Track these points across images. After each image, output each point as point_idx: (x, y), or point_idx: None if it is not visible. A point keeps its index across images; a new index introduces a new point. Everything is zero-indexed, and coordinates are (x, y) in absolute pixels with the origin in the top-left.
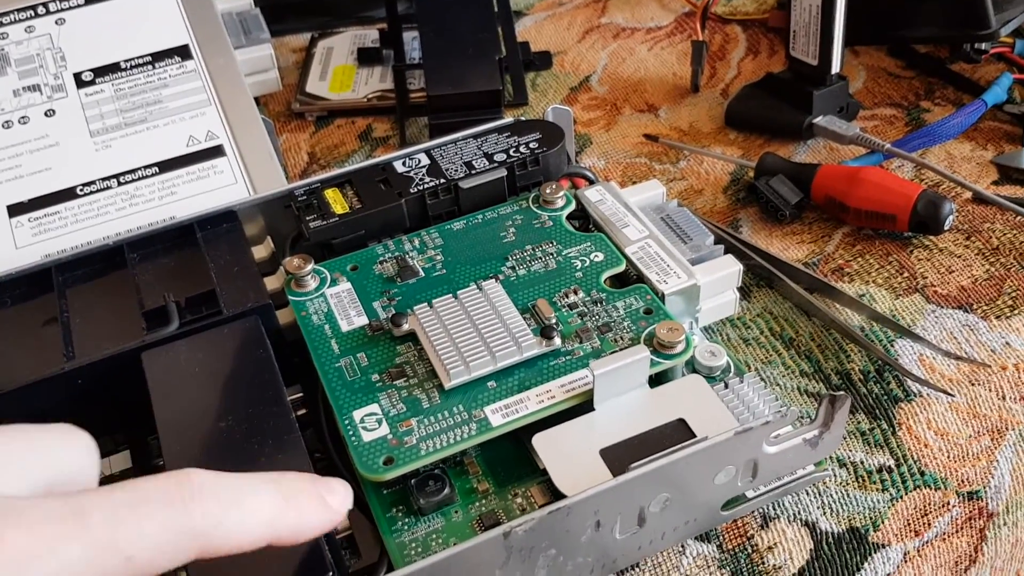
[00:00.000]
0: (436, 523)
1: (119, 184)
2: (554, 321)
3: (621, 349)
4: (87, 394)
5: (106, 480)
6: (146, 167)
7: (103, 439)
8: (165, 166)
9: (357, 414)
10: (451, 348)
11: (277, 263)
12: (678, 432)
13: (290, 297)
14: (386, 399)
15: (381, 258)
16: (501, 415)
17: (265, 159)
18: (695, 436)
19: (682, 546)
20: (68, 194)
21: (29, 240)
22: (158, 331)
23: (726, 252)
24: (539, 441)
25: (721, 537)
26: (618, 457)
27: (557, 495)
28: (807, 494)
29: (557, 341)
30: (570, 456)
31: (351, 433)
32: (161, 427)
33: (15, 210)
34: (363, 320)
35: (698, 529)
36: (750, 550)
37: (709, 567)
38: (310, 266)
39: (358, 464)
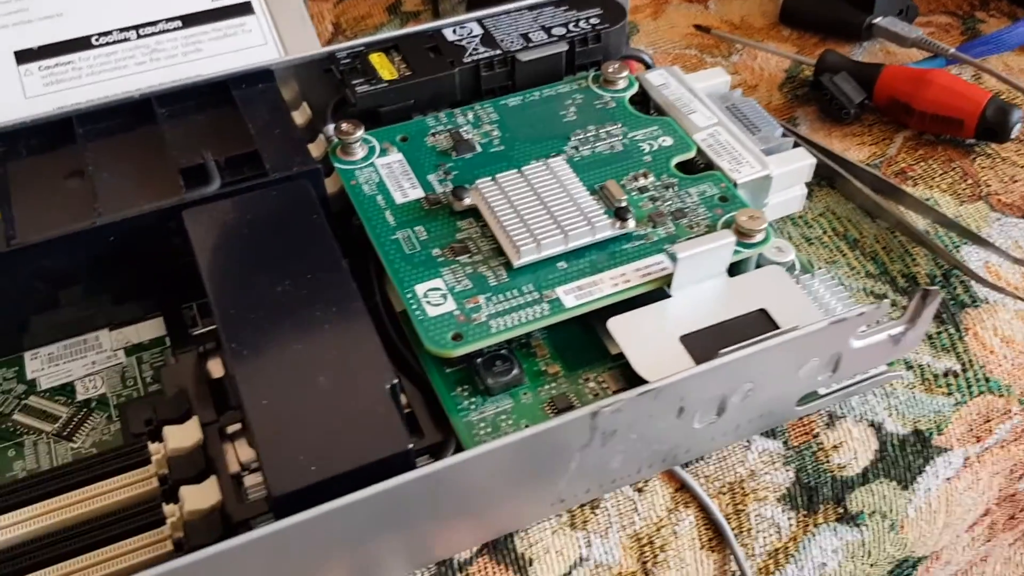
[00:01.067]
0: (505, 404)
1: (139, 36)
2: (625, 203)
3: (697, 236)
4: (118, 253)
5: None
6: (168, 20)
7: (131, 304)
8: (189, 20)
9: (420, 288)
10: (520, 225)
11: (315, 131)
12: (760, 322)
13: (337, 165)
14: (449, 275)
15: (432, 130)
16: (574, 296)
17: (297, 21)
18: (777, 327)
19: (748, 441)
20: (82, 43)
21: (40, 90)
22: (198, 189)
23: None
24: (615, 325)
25: (787, 434)
26: (700, 344)
27: (632, 381)
28: (874, 395)
29: (631, 223)
30: (648, 341)
31: (415, 307)
32: (212, 289)
33: (24, 57)
34: (418, 192)
35: (771, 423)
36: (815, 448)
37: (774, 463)
38: (360, 132)
39: (424, 339)
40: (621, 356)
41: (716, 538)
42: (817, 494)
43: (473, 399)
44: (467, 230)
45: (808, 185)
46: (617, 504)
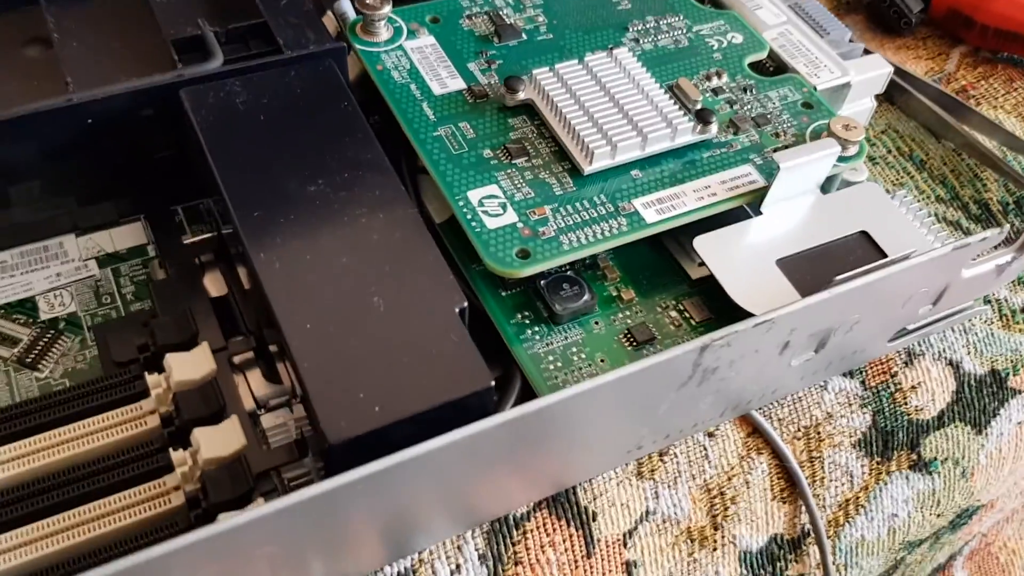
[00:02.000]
0: (574, 334)
1: None
2: (702, 105)
3: (786, 147)
4: (91, 141)
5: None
6: None
7: (103, 205)
8: None
9: (474, 195)
10: (590, 125)
11: (321, 7)
12: (862, 247)
13: (358, 46)
14: (506, 180)
15: (467, 12)
16: (655, 211)
17: None
18: (881, 252)
19: (824, 381)
20: None
21: None
22: (198, 65)
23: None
24: (703, 245)
25: (864, 373)
26: (800, 270)
27: (718, 310)
28: (952, 331)
29: (713, 128)
30: (741, 265)
31: (470, 218)
32: (229, 187)
33: None
34: (459, 83)
35: (860, 361)
36: (893, 388)
37: (851, 404)
38: (388, 8)
39: (485, 255)
40: (703, 281)
41: (788, 488)
42: (893, 439)
43: (537, 328)
44: (521, 129)
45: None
46: (687, 451)
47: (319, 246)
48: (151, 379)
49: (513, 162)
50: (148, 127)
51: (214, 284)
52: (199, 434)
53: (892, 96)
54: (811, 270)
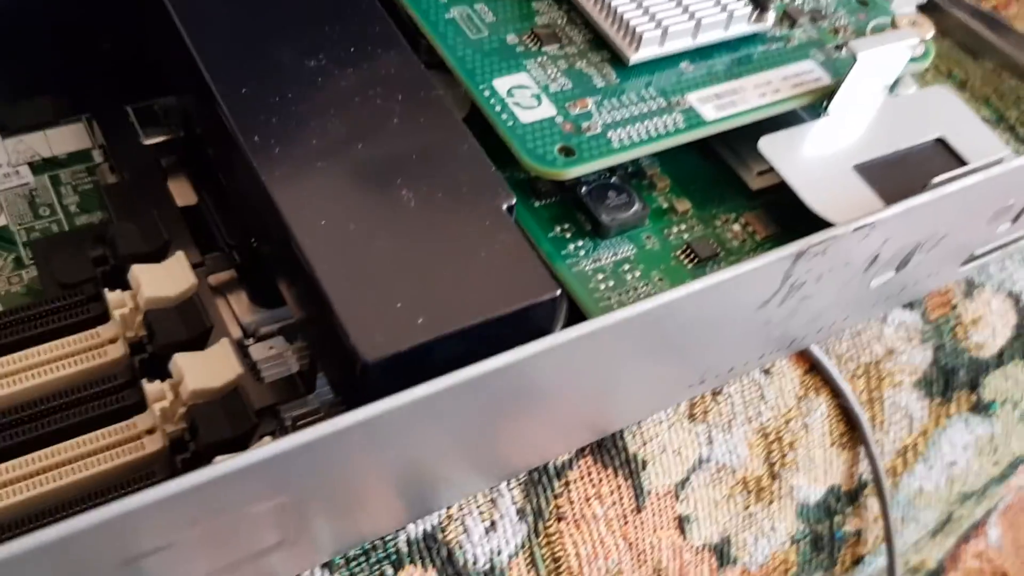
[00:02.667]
0: (624, 249)
1: None
2: None
3: (844, 43)
4: (22, 15)
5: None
6: None
7: (38, 99)
8: None
9: (501, 84)
10: (635, 6)
11: None
12: (940, 154)
13: None
14: (537, 69)
15: None
16: (713, 107)
17: None
18: (960, 160)
19: (884, 313)
20: None
21: None
22: None
23: None
24: (769, 146)
25: (924, 305)
26: (880, 176)
27: (787, 224)
28: (1011, 260)
29: (771, 18)
30: (813, 170)
31: (499, 110)
32: (207, 59)
33: None
34: None
35: (931, 286)
36: (954, 322)
37: (911, 340)
38: None
39: (523, 153)
40: (763, 193)
41: (848, 432)
42: (954, 377)
43: (581, 242)
44: (547, 14)
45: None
46: (741, 390)
47: (326, 130)
48: (112, 297)
49: (543, 49)
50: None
51: (180, 193)
52: (182, 361)
53: (926, 11)
54: (892, 177)
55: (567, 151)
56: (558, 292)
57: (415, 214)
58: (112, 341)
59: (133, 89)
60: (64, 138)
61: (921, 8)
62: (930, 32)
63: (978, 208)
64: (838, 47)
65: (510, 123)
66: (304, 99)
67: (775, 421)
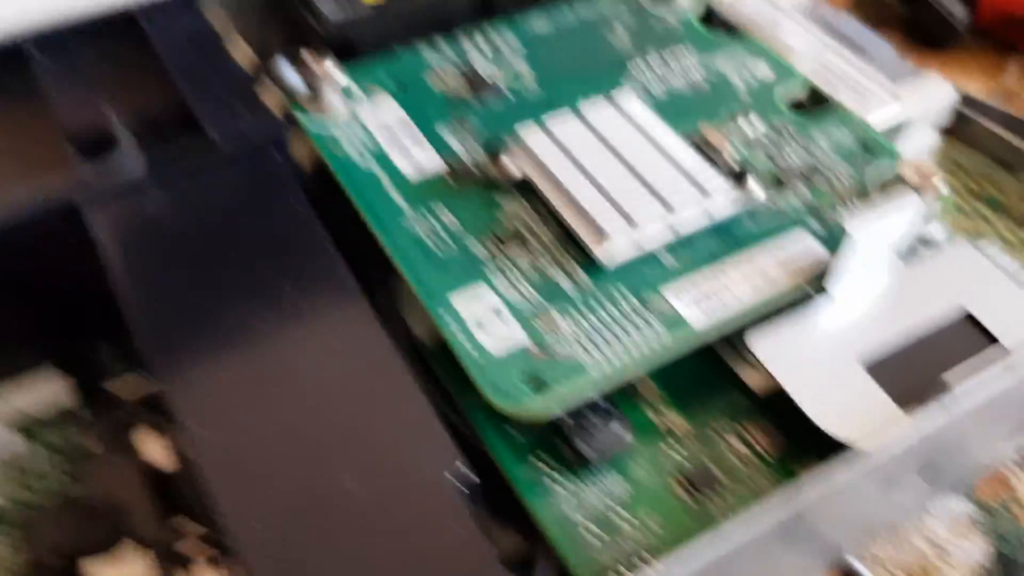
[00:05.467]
0: (611, 482)
1: None
2: (734, 158)
3: (846, 200)
4: None
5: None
6: None
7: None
8: None
9: (459, 300)
10: (600, 200)
11: (256, 72)
12: (967, 333)
13: (304, 123)
14: (501, 279)
15: (434, 67)
16: (700, 310)
17: None
18: (993, 338)
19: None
20: None
21: None
22: (105, 172)
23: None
24: (760, 343)
25: (975, 490)
26: (894, 373)
27: (796, 427)
28: None
29: (757, 189)
30: (815, 369)
31: (454, 334)
32: (145, 343)
33: None
34: (433, 159)
35: (973, 475)
36: (1015, 506)
37: (964, 533)
38: (339, 74)
39: (485, 388)
40: (771, 397)
41: None
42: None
43: (559, 477)
44: (514, 211)
45: None
46: None
47: (269, 406)
48: None
49: (508, 255)
50: (46, 254)
51: (156, 451)
52: None
53: (951, 126)
54: (908, 372)
55: (537, 382)
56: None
57: (356, 502)
58: None
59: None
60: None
61: (946, 131)
62: (941, 186)
63: (1015, 400)
64: (835, 211)
65: (472, 353)
66: (248, 378)
67: None
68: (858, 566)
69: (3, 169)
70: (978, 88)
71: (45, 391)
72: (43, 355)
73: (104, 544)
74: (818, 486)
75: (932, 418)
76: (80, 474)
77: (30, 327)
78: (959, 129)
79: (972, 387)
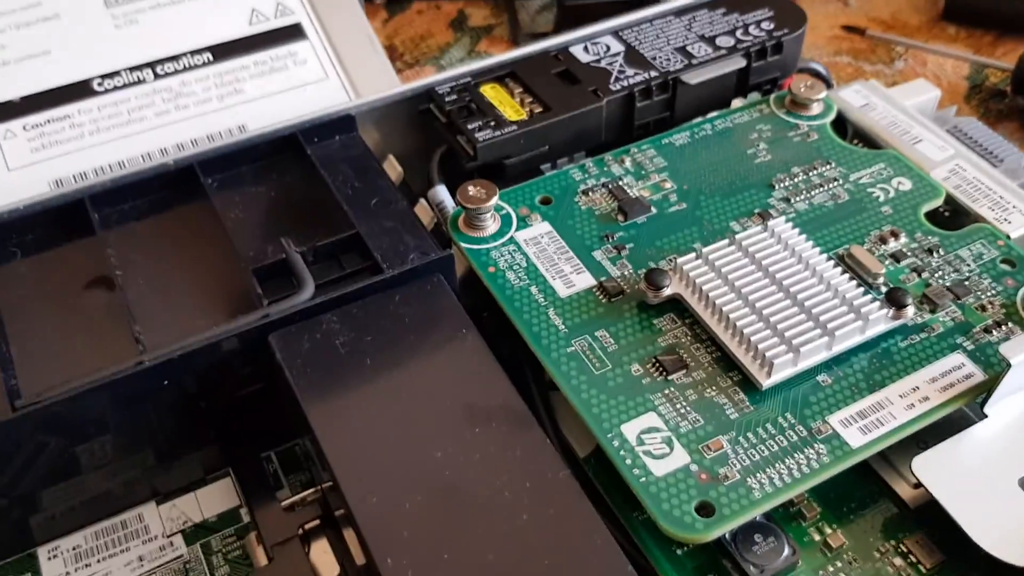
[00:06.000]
0: None
1: (156, 77)
2: (885, 280)
3: (998, 324)
4: (171, 396)
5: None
6: (194, 53)
7: (187, 460)
8: (222, 52)
9: (629, 429)
10: (761, 326)
11: (411, 194)
12: None
13: (463, 244)
14: (666, 405)
15: (582, 187)
16: (858, 429)
17: (364, 45)
18: None
19: None
20: (81, 90)
21: (27, 158)
22: (286, 300)
23: None
24: (923, 466)
25: None
26: None
27: (952, 542)
28: None
29: (911, 311)
30: (974, 489)
31: (630, 463)
32: (339, 467)
33: (2, 113)
34: (587, 279)
35: None
36: None
37: None
38: (494, 200)
39: (659, 516)
40: (923, 509)
41: None
42: None
43: None
44: (670, 330)
45: None
46: None
47: (454, 534)
48: None
49: (669, 378)
50: (231, 373)
51: (323, 560)
52: None
53: None
54: None
55: (706, 509)
56: None
57: None
58: None
59: (273, 434)
60: (213, 498)
61: None
62: None
63: None
64: (986, 330)
65: (643, 479)
66: (433, 502)
67: None
68: None
69: (200, 300)
70: None
71: (216, 500)
72: (218, 466)
73: None
74: None
75: None
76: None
77: (204, 440)
78: None
79: None
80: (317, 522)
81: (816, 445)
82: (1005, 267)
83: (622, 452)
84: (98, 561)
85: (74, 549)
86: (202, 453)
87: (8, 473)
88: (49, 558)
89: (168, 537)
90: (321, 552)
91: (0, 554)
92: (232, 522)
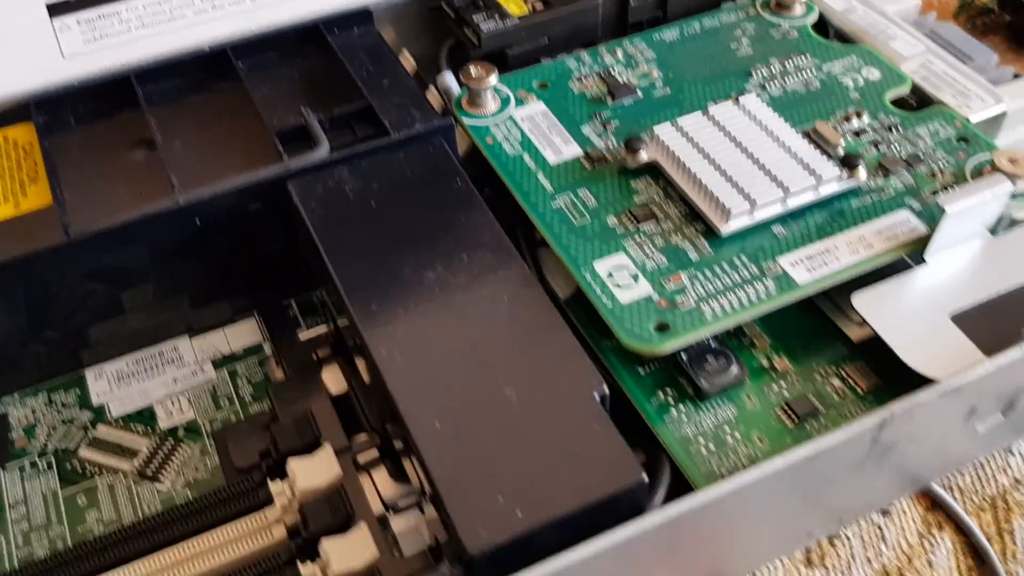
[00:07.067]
0: (725, 410)
1: None
2: (842, 150)
3: (945, 187)
4: (201, 241)
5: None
6: None
7: (215, 304)
8: None
9: (601, 266)
10: (723, 181)
11: (424, 83)
12: None
13: (465, 120)
14: (635, 248)
15: (576, 74)
16: (805, 269)
17: None
18: None
19: (1009, 444)
20: None
21: (80, 48)
22: (304, 156)
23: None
24: (862, 302)
25: None
26: (981, 326)
27: (890, 373)
28: None
29: (862, 173)
30: (908, 322)
31: (599, 292)
32: (343, 279)
33: (58, 9)
34: (575, 149)
35: None
36: None
37: None
38: (494, 78)
39: (620, 332)
40: (865, 343)
41: (977, 567)
42: None
43: (682, 406)
44: (646, 192)
45: None
46: (860, 532)
47: (442, 335)
48: (274, 487)
49: (640, 228)
50: (257, 222)
51: (333, 380)
52: (328, 546)
53: None
54: (991, 323)
55: (662, 327)
56: (644, 478)
57: (517, 409)
58: (276, 523)
59: (295, 284)
60: (240, 334)
61: None
62: None
63: None
64: (934, 193)
65: (609, 304)
66: (423, 308)
67: (897, 560)
68: (941, 493)
69: (230, 158)
70: None
71: (242, 336)
72: (245, 308)
73: (307, 449)
74: (903, 406)
75: (1007, 357)
76: (271, 396)
77: (235, 286)
78: None
79: None
80: (329, 350)
81: (765, 281)
82: (960, 144)
83: (593, 284)
84: (138, 382)
85: (116, 372)
86: (231, 300)
87: (60, 310)
88: (95, 378)
89: (199, 364)
90: (332, 374)
91: (52, 373)
92: (256, 353)
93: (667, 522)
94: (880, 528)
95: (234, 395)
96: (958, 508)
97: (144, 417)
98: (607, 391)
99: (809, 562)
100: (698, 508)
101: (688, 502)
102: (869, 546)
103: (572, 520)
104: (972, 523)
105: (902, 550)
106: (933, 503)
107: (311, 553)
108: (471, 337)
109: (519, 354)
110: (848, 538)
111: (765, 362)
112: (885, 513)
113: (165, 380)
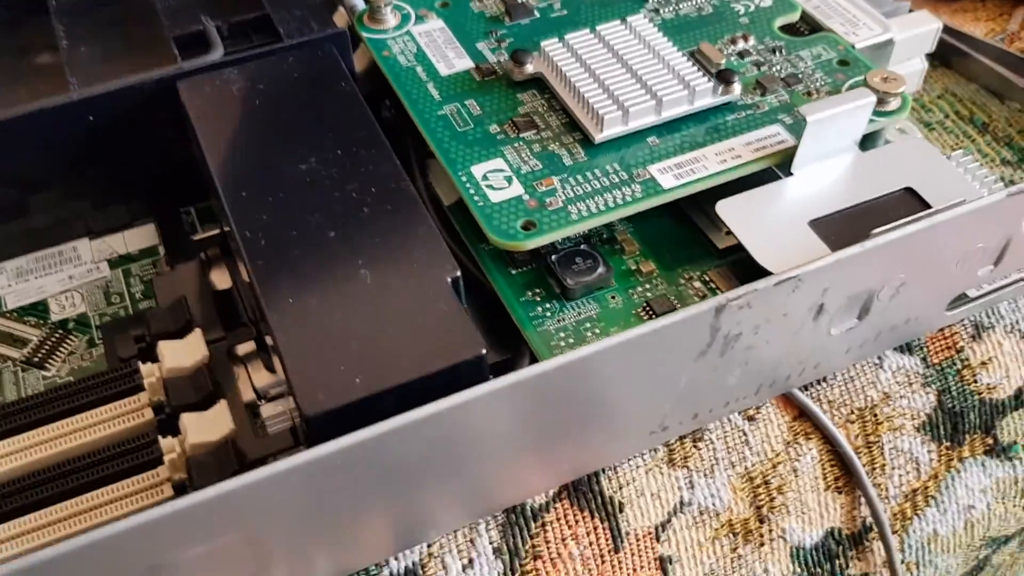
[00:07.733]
0: (589, 309)
1: None
2: (725, 66)
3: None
4: (98, 139)
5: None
6: None
7: (115, 208)
8: None
9: (477, 169)
10: (600, 92)
11: (332, 2)
12: (907, 204)
13: (364, 34)
14: (512, 154)
15: None
16: (672, 176)
17: None
18: (929, 208)
19: (879, 358)
20: None
21: None
22: (197, 58)
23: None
24: (726, 209)
25: (926, 349)
26: (836, 231)
27: (749, 280)
28: None
29: (736, 89)
30: (768, 228)
31: (472, 193)
32: (217, 170)
33: None
34: (467, 63)
35: (914, 333)
36: (960, 365)
37: (911, 383)
38: None
39: (488, 229)
40: (731, 251)
41: (844, 476)
42: (963, 421)
43: (548, 305)
44: (530, 103)
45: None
46: (724, 436)
47: (307, 221)
48: (145, 369)
49: (521, 136)
50: (151, 124)
51: (220, 279)
52: (186, 419)
53: (949, 60)
54: (848, 229)
55: (528, 225)
56: (483, 351)
57: (370, 289)
58: (147, 407)
59: (194, 193)
60: (137, 237)
61: (938, 61)
62: (901, 87)
63: (934, 254)
64: None
65: (481, 203)
66: (292, 197)
67: (761, 465)
68: (807, 401)
69: (129, 61)
70: (984, 30)
71: (139, 239)
72: (145, 213)
73: (179, 333)
74: (739, 292)
75: (846, 252)
76: (153, 288)
77: (134, 190)
78: (956, 63)
79: (889, 232)
80: (218, 250)
81: (633, 185)
82: (840, 67)
83: (468, 185)
84: (36, 278)
85: (17, 269)
86: (130, 204)
87: None
88: None
89: (96, 263)
90: (220, 273)
91: None
92: (151, 255)
93: (498, 391)
94: (745, 433)
95: (126, 292)
96: (825, 419)
97: (38, 310)
98: (459, 275)
99: (672, 462)
100: (534, 377)
101: (521, 373)
102: (733, 450)
103: (412, 389)
104: (839, 434)
105: (767, 456)
106: (801, 413)
107: (174, 430)
108: (334, 223)
109: (379, 240)
110: (712, 441)
111: (633, 266)
112: (751, 420)
113: (61, 277)
